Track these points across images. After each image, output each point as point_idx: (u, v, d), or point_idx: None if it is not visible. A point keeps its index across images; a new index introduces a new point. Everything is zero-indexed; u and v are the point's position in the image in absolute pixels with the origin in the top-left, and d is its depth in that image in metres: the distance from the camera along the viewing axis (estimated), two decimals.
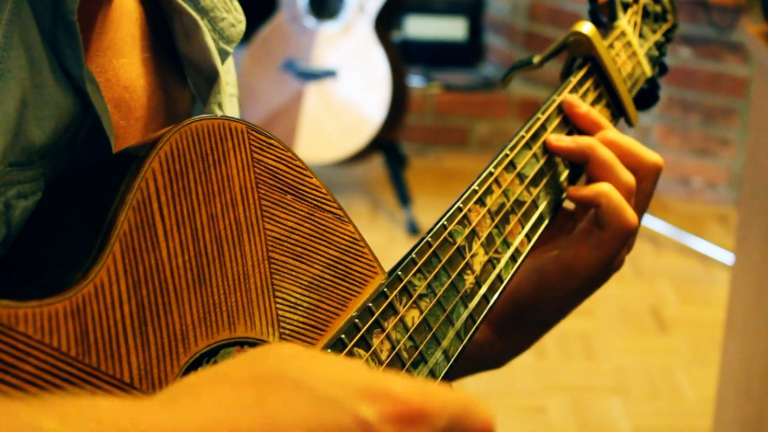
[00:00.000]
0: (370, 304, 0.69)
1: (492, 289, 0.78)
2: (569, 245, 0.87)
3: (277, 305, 0.65)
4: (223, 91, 0.74)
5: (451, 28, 4.64)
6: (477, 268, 0.77)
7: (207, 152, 0.62)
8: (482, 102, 4.47)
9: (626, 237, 0.85)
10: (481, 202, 0.79)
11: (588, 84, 0.93)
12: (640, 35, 1.01)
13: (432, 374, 0.71)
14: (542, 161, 0.86)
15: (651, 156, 0.88)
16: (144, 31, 0.72)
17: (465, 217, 0.77)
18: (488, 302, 0.77)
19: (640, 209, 0.89)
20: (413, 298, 0.71)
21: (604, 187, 0.85)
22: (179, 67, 0.75)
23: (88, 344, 0.54)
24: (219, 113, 0.73)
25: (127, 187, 0.58)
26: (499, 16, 4.65)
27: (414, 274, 0.72)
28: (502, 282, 0.79)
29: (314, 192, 0.69)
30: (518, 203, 0.82)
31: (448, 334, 0.73)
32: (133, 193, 0.58)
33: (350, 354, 0.66)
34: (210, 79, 0.73)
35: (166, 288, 0.58)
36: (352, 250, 0.70)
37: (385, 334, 0.69)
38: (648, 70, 1.01)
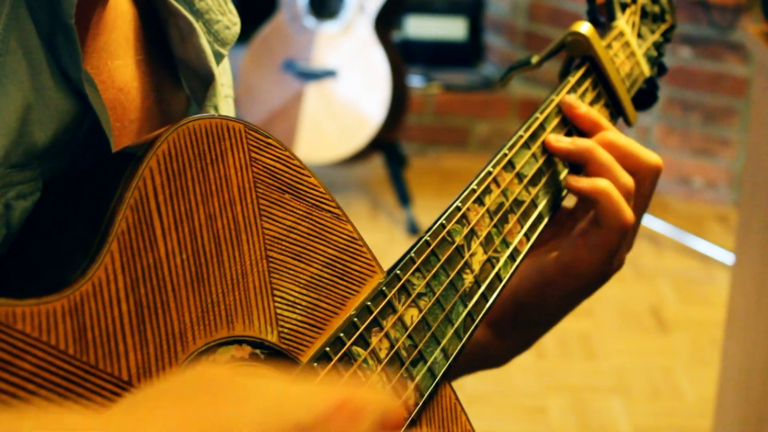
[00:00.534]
0: (369, 303, 0.69)
1: (491, 288, 0.78)
2: (569, 245, 0.87)
3: (276, 304, 0.65)
4: (219, 94, 0.74)
5: (451, 28, 4.64)
6: (476, 267, 0.77)
7: (205, 151, 0.62)
8: (482, 102, 4.47)
9: (623, 235, 0.85)
10: (479, 201, 0.79)
11: (586, 84, 0.93)
12: (639, 35, 1.01)
13: (431, 372, 0.71)
14: (541, 161, 0.86)
15: (650, 157, 0.88)
16: (138, 33, 0.72)
17: (464, 216, 0.77)
18: (487, 301, 0.77)
19: (640, 210, 0.89)
20: (412, 297, 0.71)
21: (602, 184, 0.85)
22: (174, 70, 0.75)
23: (86, 342, 0.54)
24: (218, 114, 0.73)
25: (125, 186, 0.58)
26: (499, 16, 4.65)
27: (413, 273, 0.72)
28: (500, 281, 0.79)
29: (312, 191, 0.69)
30: (517, 202, 0.83)
31: (447, 332, 0.73)
32: (130, 192, 0.58)
33: (349, 352, 0.66)
34: (205, 81, 0.74)
35: (164, 286, 0.59)
36: (350, 249, 0.70)
37: (384, 332, 0.69)
38: (646, 70, 1.01)
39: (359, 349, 0.67)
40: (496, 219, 0.80)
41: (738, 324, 2.02)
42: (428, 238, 0.74)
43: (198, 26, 0.73)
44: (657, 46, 1.04)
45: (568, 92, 0.90)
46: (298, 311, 0.66)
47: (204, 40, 0.73)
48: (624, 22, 0.99)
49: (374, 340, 0.68)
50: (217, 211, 0.62)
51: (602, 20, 0.99)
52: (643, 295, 3.29)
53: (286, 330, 0.65)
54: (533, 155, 0.85)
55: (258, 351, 0.63)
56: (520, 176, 0.84)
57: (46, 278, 0.58)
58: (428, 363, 0.71)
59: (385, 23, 3.78)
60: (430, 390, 0.71)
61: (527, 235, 0.83)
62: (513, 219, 0.82)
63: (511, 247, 0.81)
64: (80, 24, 0.65)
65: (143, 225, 0.58)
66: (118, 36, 0.70)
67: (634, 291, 3.29)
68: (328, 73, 3.75)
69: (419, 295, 0.72)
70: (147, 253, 0.58)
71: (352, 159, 3.76)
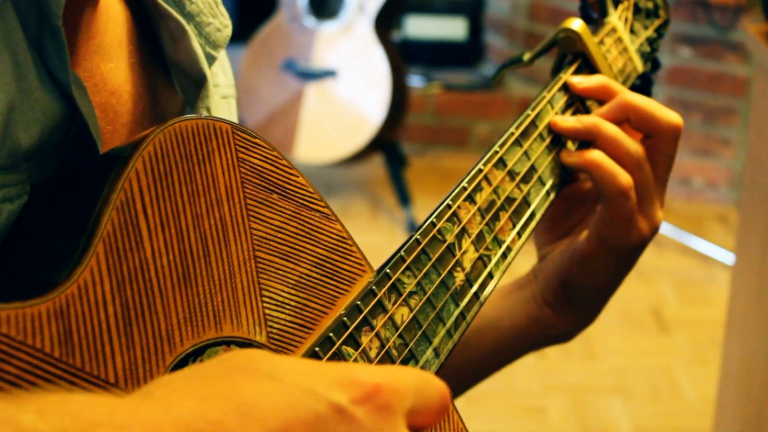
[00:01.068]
0: (359, 302, 0.68)
1: (483, 286, 0.78)
2: (595, 222, 0.90)
3: (264, 304, 0.65)
4: (212, 95, 0.74)
5: (451, 28, 4.64)
6: (467, 265, 0.77)
7: (191, 152, 0.62)
8: (482, 102, 4.47)
9: (626, 199, 0.87)
10: (470, 199, 0.79)
11: None
12: (632, 31, 1.01)
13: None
14: (533, 158, 0.86)
15: (668, 117, 0.90)
16: (131, 36, 0.72)
17: (454, 214, 0.77)
18: (479, 299, 0.77)
19: (663, 171, 0.92)
20: (403, 296, 0.71)
21: (592, 155, 0.87)
22: (167, 72, 0.75)
23: (71, 345, 0.54)
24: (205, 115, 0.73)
25: (111, 187, 0.58)
26: (499, 16, 4.65)
27: (403, 272, 0.72)
28: (492, 279, 0.79)
29: (300, 191, 0.68)
30: (509, 200, 0.82)
31: (438, 331, 0.73)
32: (116, 194, 0.58)
33: (339, 352, 0.66)
34: (198, 83, 0.73)
35: (150, 288, 0.58)
36: (339, 249, 0.70)
37: (374, 332, 0.68)
38: (639, 66, 1.00)
39: (349, 349, 0.67)
40: (487, 217, 0.80)
41: (738, 324, 2.02)
42: (419, 237, 0.74)
43: (189, 29, 0.72)
44: (650, 41, 1.03)
45: (560, 89, 0.90)
46: (286, 311, 0.66)
47: (195, 43, 0.73)
48: (617, 18, 0.99)
49: (364, 340, 0.68)
50: (204, 211, 0.62)
51: (594, 16, 0.99)
52: (644, 295, 3.28)
53: (275, 330, 0.65)
54: (525, 153, 0.85)
55: None
56: (511, 174, 0.83)
57: (32, 281, 0.58)
58: (419, 362, 0.71)
59: (385, 23, 3.77)
60: None
61: (519, 233, 0.82)
62: (505, 217, 0.82)
63: (504, 245, 0.81)
64: (71, 26, 0.65)
65: (129, 226, 0.58)
66: (111, 39, 0.70)
67: (635, 291, 3.29)
68: (328, 73, 3.75)
69: (410, 294, 0.72)
70: (133, 255, 0.58)
71: (352, 159, 3.76)
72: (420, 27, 4.61)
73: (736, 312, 2.04)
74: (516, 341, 0.95)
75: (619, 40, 0.98)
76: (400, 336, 0.70)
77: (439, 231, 0.75)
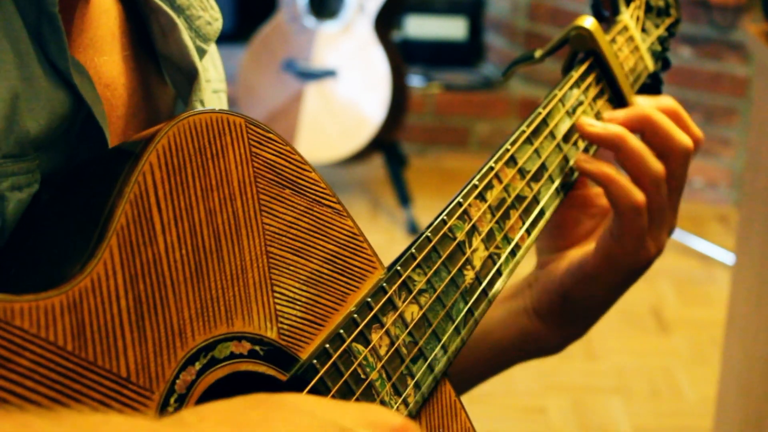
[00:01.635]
0: (369, 299, 0.68)
1: (491, 284, 0.78)
2: (603, 238, 0.89)
3: (276, 300, 0.64)
4: (204, 88, 0.74)
5: (451, 28, 4.63)
6: (477, 263, 0.77)
7: (205, 146, 0.62)
8: (482, 102, 4.47)
9: (640, 218, 0.86)
10: (481, 197, 0.79)
11: (590, 79, 0.92)
12: (643, 30, 1.01)
13: (430, 369, 0.71)
14: (544, 156, 0.85)
15: (681, 140, 0.89)
16: (123, 30, 0.72)
17: (465, 212, 0.77)
18: (487, 296, 0.77)
19: (676, 196, 0.90)
20: (413, 294, 0.71)
21: (608, 169, 0.87)
22: (159, 66, 0.75)
23: (84, 339, 0.54)
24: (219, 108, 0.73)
25: (125, 180, 0.58)
26: (499, 16, 4.64)
27: (413, 270, 0.72)
28: (501, 276, 0.79)
29: (313, 186, 0.68)
30: (519, 198, 0.82)
31: (447, 329, 0.73)
32: (130, 187, 0.58)
33: (348, 349, 0.66)
34: (189, 76, 0.74)
35: (163, 282, 0.58)
36: (351, 245, 0.70)
37: (384, 329, 0.68)
38: (650, 65, 1.00)
39: (359, 346, 0.67)
40: (498, 215, 0.80)
41: (738, 324, 2.02)
42: (429, 234, 0.74)
43: (179, 22, 0.73)
44: (661, 40, 1.03)
45: (571, 88, 0.90)
46: (297, 307, 0.66)
47: (186, 36, 0.73)
48: (628, 16, 0.99)
49: (374, 337, 0.68)
50: (217, 206, 0.62)
51: (606, 14, 0.98)
52: (644, 295, 3.28)
53: (285, 326, 0.65)
54: (536, 151, 0.85)
55: (257, 347, 0.63)
56: (522, 172, 0.83)
57: (44, 273, 0.58)
58: (428, 360, 0.71)
59: (385, 23, 3.77)
60: (430, 387, 0.71)
61: (529, 231, 0.82)
62: (515, 215, 0.81)
63: (513, 243, 0.80)
64: (65, 19, 0.65)
65: (143, 220, 0.58)
66: (104, 32, 0.70)
67: (635, 291, 3.25)
68: (328, 73, 3.75)
69: (420, 292, 0.71)
70: (146, 249, 0.58)
71: (352, 159, 3.76)
72: (420, 27, 4.60)
73: (736, 312, 2.04)
74: (506, 353, 0.95)
75: (631, 39, 0.98)
76: (409, 334, 0.70)
77: (449, 229, 0.75)
